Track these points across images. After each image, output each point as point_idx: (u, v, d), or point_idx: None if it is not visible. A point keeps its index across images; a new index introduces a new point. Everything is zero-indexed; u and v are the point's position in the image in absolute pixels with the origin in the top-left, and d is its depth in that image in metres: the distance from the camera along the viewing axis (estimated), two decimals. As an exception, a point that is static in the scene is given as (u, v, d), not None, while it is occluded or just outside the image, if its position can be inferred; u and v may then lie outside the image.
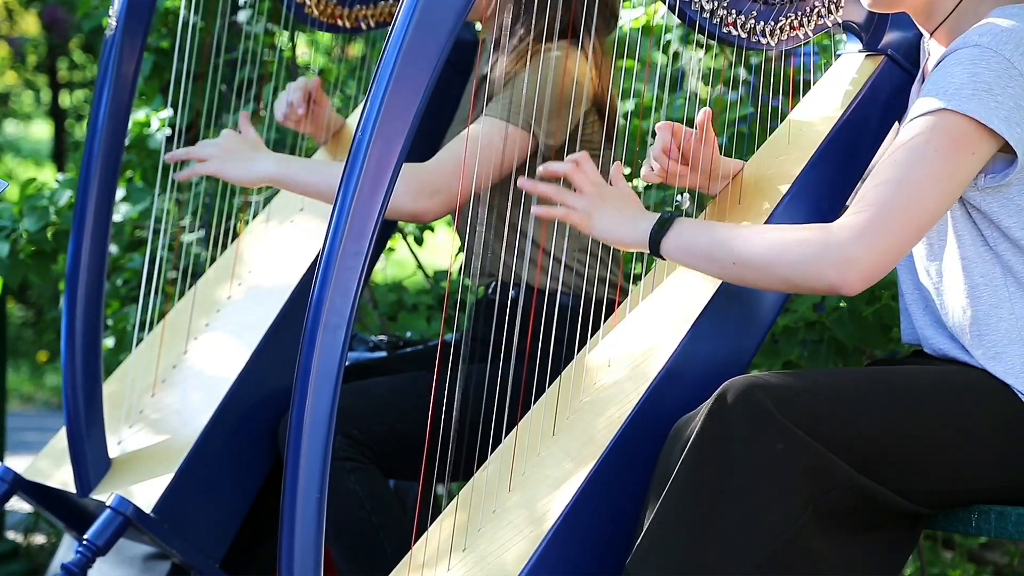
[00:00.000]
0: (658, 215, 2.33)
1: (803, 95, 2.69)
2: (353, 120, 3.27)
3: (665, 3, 2.49)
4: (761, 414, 2.15)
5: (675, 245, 2.31)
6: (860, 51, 2.66)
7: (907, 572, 3.89)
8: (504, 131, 2.80)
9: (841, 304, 3.12)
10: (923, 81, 2.45)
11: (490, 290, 2.98)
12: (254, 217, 3.32)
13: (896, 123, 2.59)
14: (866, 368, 2.41)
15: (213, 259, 3.27)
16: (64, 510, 3.06)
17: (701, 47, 3.60)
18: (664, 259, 2.33)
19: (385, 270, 4.64)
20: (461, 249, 3.28)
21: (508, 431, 2.48)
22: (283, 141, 3.82)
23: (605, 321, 2.56)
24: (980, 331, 2.30)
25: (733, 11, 2.51)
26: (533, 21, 2.83)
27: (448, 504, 2.45)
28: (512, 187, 2.84)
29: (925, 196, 2.17)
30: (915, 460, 2.22)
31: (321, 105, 3.19)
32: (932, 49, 2.42)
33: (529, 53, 2.82)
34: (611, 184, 2.40)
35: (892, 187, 2.17)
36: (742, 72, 3.61)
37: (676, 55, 3.73)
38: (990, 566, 4.13)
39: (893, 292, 3.12)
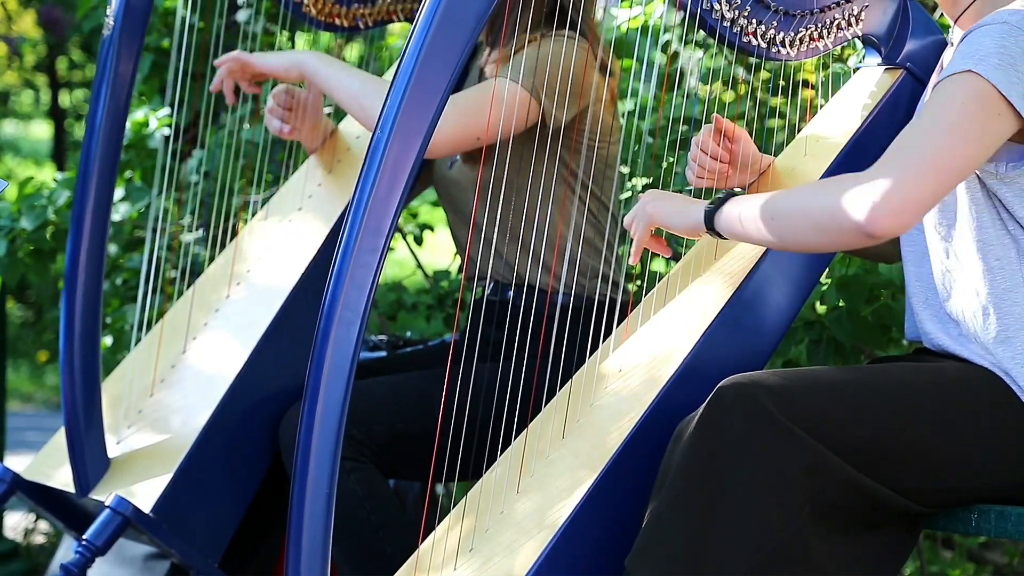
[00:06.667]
0: (709, 199, 2.40)
1: (802, 92, 2.68)
2: (344, 125, 3.25)
3: (686, 10, 2.48)
4: (759, 412, 2.15)
5: (727, 218, 2.34)
6: (879, 64, 2.66)
7: (907, 571, 3.89)
8: (506, 88, 2.78)
9: (840, 303, 3.12)
10: (941, 72, 2.46)
11: (489, 291, 2.97)
12: (253, 216, 3.31)
13: None
14: (865, 366, 2.41)
15: (212, 258, 3.26)
16: (63, 510, 3.05)
17: (700, 47, 3.60)
18: (722, 236, 2.37)
19: (385, 269, 4.62)
20: (459, 251, 3.27)
21: (510, 431, 2.48)
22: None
23: (607, 320, 2.56)
24: (992, 314, 2.30)
25: (754, 20, 2.49)
26: (519, 13, 2.82)
27: (450, 504, 2.44)
28: (519, 176, 2.82)
29: (954, 145, 2.18)
30: (914, 458, 2.22)
31: (317, 109, 3.17)
32: (955, 37, 2.43)
33: (532, 38, 2.80)
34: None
35: (923, 136, 2.18)
36: (742, 72, 3.61)
37: (676, 54, 3.72)
38: (990, 565, 4.13)
39: (893, 292, 3.12)
